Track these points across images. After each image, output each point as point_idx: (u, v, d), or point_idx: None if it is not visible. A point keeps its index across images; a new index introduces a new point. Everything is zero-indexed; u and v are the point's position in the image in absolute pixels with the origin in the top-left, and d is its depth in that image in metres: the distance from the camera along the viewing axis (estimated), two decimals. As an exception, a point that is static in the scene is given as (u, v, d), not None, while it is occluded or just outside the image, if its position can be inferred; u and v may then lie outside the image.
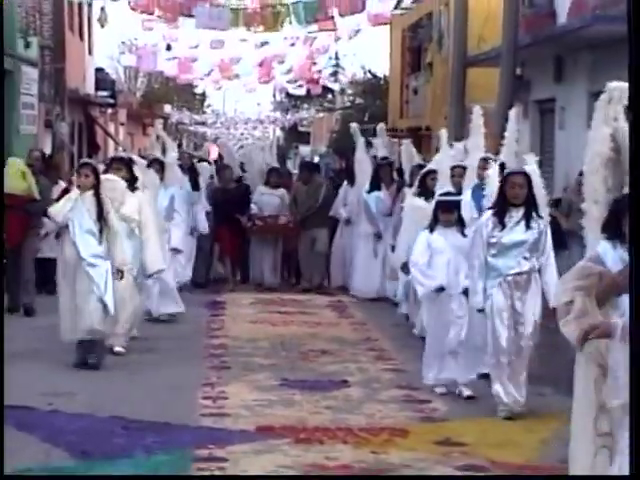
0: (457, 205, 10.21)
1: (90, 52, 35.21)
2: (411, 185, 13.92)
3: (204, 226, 16.12)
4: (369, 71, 44.44)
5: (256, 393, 9.97)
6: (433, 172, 12.51)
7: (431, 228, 10.06)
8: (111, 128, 38.71)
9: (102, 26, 28.88)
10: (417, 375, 10.78)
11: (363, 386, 10.42)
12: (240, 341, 12.76)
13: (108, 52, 40.02)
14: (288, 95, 54.58)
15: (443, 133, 13.28)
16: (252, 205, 17.23)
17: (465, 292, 9.68)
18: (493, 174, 10.06)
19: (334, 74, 35.08)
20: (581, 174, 11.72)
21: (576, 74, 17.74)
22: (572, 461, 5.40)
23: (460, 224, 10.09)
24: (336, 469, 7.56)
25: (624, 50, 16.45)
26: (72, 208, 10.38)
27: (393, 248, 14.17)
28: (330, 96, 50.44)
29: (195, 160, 18.70)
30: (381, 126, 18.94)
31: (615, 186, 5.67)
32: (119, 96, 39.21)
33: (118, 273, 10.50)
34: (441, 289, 9.83)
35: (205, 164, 18.67)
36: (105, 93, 35.92)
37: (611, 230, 5.30)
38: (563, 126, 18.08)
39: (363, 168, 16.46)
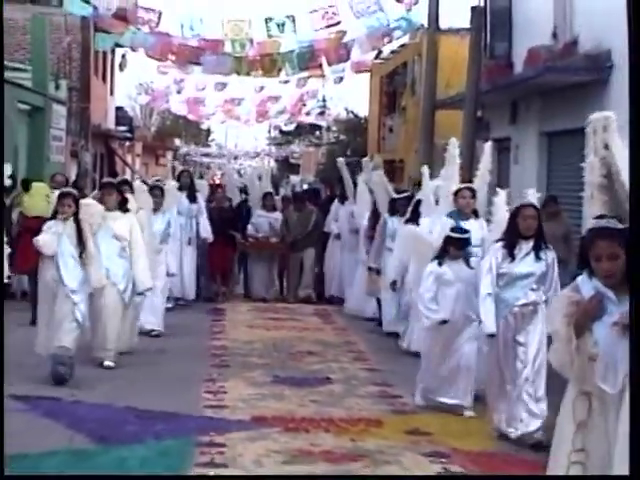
0: (468, 242, 9.28)
1: (111, 93, 35.22)
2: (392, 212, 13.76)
3: (208, 231, 15.78)
4: (351, 112, 44.52)
5: (251, 388, 9.99)
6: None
7: (440, 261, 9.18)
8: (128, 159, 38.68)
9: (122, 70, 29.02)
10: (390, 374, 10.89)
11: (343, 383, 10.45)
12: (238, 343, 12.78)
13: (127, 93, 40.09)
14: (281, 132, 54.82)
15: (425, 170, 12.77)
16: (249, 226, 16.98)
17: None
18: (500, 203, 9.04)
19: (321, 114, 35.01)
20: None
21: (528, 117, 17.81)
22: (549, 471, 5.31)
23: (466, 256, 9.30)
24: (320, 454, 7.56)
25: (570, 96, 16.69)
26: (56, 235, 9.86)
27: (370, 268, 14.00)
28: (317, 133, 50.48)
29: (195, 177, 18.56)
30: (366, 160, 18.69)
31: (612, 212, 5.34)
32: (136, 131, 39.28)
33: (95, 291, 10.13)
34: (444, 322, 8.98)
35: (204, 182, 18.50)
36: (124, 128, 35.97)
37: (583, 264, 5.14)
38: (517, 161, 18.16)
39: (364, 199, 15.71)
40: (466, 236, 9.26)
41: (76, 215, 9.87)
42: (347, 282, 16.36)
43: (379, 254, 13.63)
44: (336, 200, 17.27)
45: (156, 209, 13.17)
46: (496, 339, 8.17)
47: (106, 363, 10.57)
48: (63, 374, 9.55)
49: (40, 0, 26.05)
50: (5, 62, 21.04)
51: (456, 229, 9.39)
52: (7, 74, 20.48)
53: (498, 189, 9.23)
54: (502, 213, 8.78)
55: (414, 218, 12.10)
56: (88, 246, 9.86)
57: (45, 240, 9.81)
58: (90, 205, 10.41)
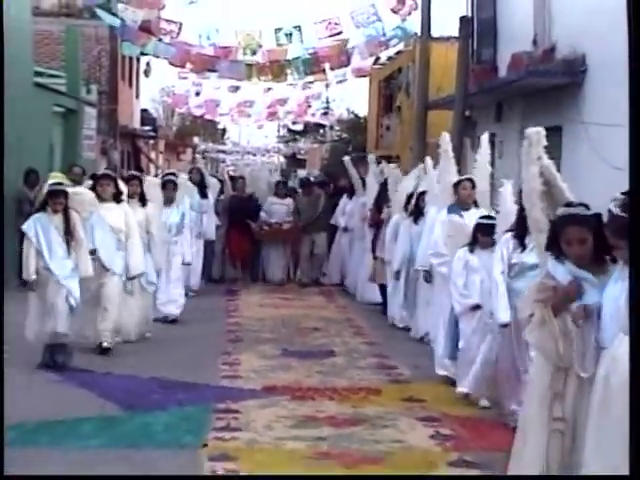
0: (494, 227, 8.17)
1: (137, 96, 35.13)
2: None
3: (212, 233, 15.31)
4: (352, 112, 44.44)
5: (262, 360, 9.99)
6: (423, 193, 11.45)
7: (471, 248, 8.38)
8: (152, 155, 38.63)
9: (147, 76, 29.01)
10: (387, 347, 10.88)
11: (345, 355, 10.45)
12: (251, 320, 12.78)
13: (151, 96, 40.07)
14: (289, 130, 54.75)
15: (428, 160, 11.85)
16: (262, 214, 16.54)
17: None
18: (506, 194, 8.09)
19: (325, 114, 34.98)
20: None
21: (511, 116, 17.77)
22: (524, 445, 5.06)
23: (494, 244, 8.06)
24: (324, 419, 7.57)
25: (549, 97, 16.64)
26: (41, 225, 8.97)
27: (375, 257, 13.29)
28: (322, 131, 50.35)
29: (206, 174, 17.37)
30: (371, 157, 17.72)
31: (554, 214, 5.20)
32: (159, 130, 39.23)
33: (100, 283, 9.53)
34: (477, 307, 8.19)
35: (214, 180, 17.38)
36: (148, 128, 35.90)
37: (554, 249, 5.02)
38: (501, 156, 18.09)
39: (373, 191, 14.64)
40: (493, 222, 8.21)
41: (66, 208, 9.05)
42: (356, 271, 15.49)
43: (384, 244, 12.83)
44: (344, 195, 16.69)
45: (170, 202, 12.44)
46: (509, 329, 7.51)
47: (104, 344, 9.81)
48: (63, 361, 8.98)
49: (73, 14, 26.02)
50: (42, 69, 21.12)
51: (485, 217, 8.65)
52: (44, 80, 20.55)
53: (504, 180, 8.38)
54: (509, 204, 7.94)
55: (417, 211, 11.57)
56: (76, 235, 9.06)
57: (26, 268, 8.97)
58: (80, 194, 9.57)
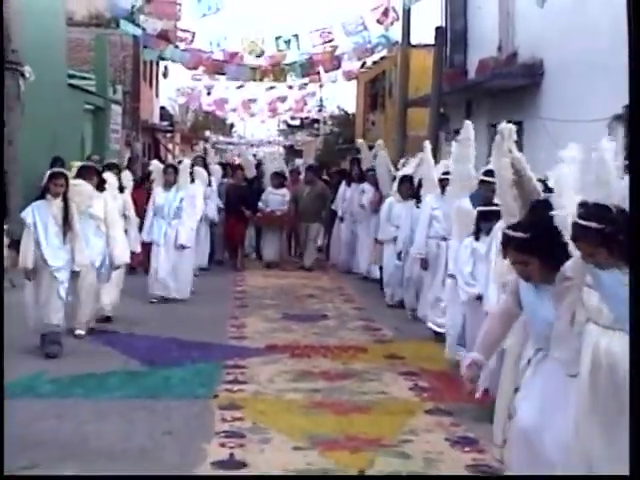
0: (497, 214, 6.56)
1: (156, 95, 34.99)
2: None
3: (214, 216, 14.30)
4: (342, 109, 44.16)
5: (265, 323, 9.96)
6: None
7: (476, 236, 7.17)
8: (169, 146, 38.52)
9: (165, 78, 28.79)
10: (372, 312, 10.83)
11: (337, 319, 10.42)
12: (255, 289, 12.71)
13: (168, 95, 39.60)
14: (288, 125, 54.61)
15: (427, 144, 10.65)
16: (260, 203, 15.19)
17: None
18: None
19: (319, 111, 34.83)
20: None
21: (479, 112, 17.70)
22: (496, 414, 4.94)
23: None
24: (319, 374, 7.54)
25: (511, 96, 16.49)
26: (39, 213, 7.89)
27: (376, 240, 12.08)
28: (316, 125, 50.15)
29: (211, 163, 16.55)
30: (361, 142, 17.10)
31: (524, 201, 5.00)
32: (175, 125, 39.07)
33: (74, 273, 8.09)
34: (480, 297, 6.82)
35: (217, 167, 16.35)
36: (166, 123, 35.80)
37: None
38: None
39: (384, 180, 13.09)
40: (495, 208, 6.81)
41: (65, 195, 7.96)
42: (355, 251, 14.49)
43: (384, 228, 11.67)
44: (343, 182, 15.30)
45: (170, 186, 11.26)
46: None
47: (77, 332, 8.69)
48: (55, 352, 7.87)
49: (102, 24, 25.87)
50: (74, 72, 20.98)
51: (486, 203, 7.26)
52: (76, 82, 20.47)
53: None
54: None
55: (414, 196, 10.43)
56: (73, 226, 7.96)
57: (22, 256, 7.85)
58: (79, 185, 8.48)
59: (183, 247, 11.17)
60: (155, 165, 11.91)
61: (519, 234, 4.23)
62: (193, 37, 20.70)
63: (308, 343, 8.86)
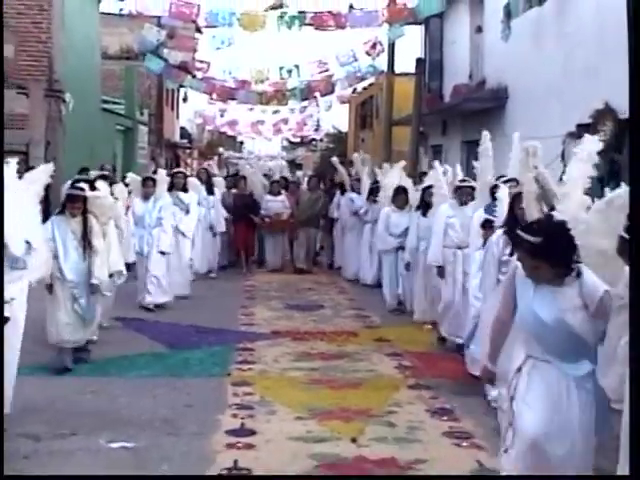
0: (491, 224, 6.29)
1: (177, 117, 34.96)
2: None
3: (221, 226, 13.16)
4: (337, 128, 44.10)
5: (271, 312, 9.92)
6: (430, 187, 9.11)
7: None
8: (188, 161, 38.50)
9: (184, 102, 28.75)
10: (363, 302, 10.75)
11: (332, 308, 10.37)
12: (261, 283, 12.64)
13: (187, 117, 39.51)
14: (290, 142, 54.61)
15: (437, 164, 9.37)
16: (262, 211, 14.19)
17: None
18: (503, 195, 6.06)
19: (316, 130, 34.67)
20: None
21: (453, 131, 17.69)
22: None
23: None
24: (316, 355, 7.52)
25: (480, 117, 16.42)
26: (58, 228, 6.77)
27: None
28: (314, 143, 50.12)
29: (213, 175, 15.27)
30: (355, 155, 16.56)
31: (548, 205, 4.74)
32: (193, 142, 39.04)
33: (93, 287, 6.80)
34: None
35: (220, 179, 15.04)
36: (185, 141, 35.74)
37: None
38: (446, 161, 17.95)
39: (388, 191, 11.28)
40: (493, 219, 6.25)
41: (84, 212, 6.87)
42: (346, 254, 13.57)
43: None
44: (337, 192, 14.55)
45: (148, 197, 9.88)
46: None
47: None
48: (66, 366, 6.74)
49: (131, 57, 25.87)
50: (107, 98, 20.95)
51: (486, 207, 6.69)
52: (109, 106, 20.48)
53: (501, 184, 6.48)
54: (504, 206, 5.94)
55: (425, 205, 9.21)
56: (93, 241, 6.83)
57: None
58: (101, 198, 7.24)
59: (163, 253, 9.77)
60: (131, 177, 10.39)
61: (531, 237, 3.63)
62: (208, 67, 20.70)
63: (307, 329, 8.84)
